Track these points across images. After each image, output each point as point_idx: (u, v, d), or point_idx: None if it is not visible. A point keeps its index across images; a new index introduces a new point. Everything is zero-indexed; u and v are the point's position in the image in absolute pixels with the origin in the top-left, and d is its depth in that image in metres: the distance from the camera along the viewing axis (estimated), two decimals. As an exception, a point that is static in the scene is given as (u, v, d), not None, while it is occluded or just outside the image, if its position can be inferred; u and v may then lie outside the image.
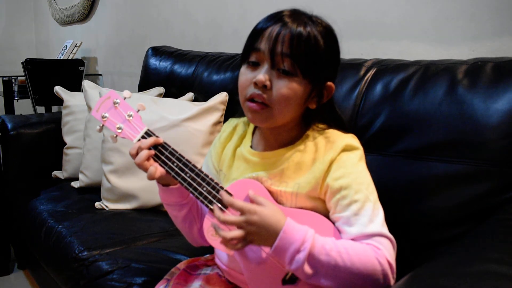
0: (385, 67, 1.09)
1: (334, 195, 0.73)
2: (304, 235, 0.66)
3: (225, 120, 1.48)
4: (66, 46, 3.22)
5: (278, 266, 0.71)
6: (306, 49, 0.72)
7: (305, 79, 0.73)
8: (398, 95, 1.01)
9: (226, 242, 0.67)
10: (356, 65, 1.15)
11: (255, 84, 0.73)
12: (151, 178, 0.76)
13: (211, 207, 0.75)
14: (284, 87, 0.72)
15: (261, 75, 0.72)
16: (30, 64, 2.79)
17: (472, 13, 1.11)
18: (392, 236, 0.70)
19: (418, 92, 0.98)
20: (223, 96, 1.51)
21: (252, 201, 0.70)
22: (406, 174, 0.96)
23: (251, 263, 0.75)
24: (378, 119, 1.03)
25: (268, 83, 0.72)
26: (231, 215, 0.69)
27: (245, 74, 0.76)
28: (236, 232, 0.67)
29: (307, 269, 0.65)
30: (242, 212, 0.68)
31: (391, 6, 1.28)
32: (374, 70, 1.10)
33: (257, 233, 0.67)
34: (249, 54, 0.76)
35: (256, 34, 0.75)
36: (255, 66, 0.75)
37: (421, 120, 0.95)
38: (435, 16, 1.18)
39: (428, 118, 0.94)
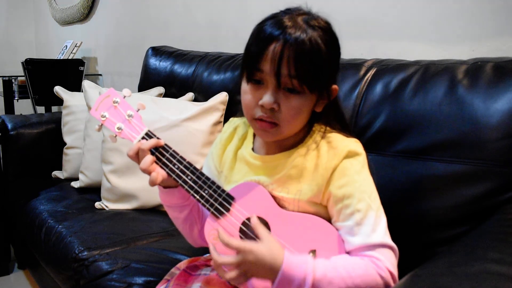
0: (385, 67, 1.09)
1: (336, 203, 0.73)
2: (305, 269, 0.66)
3: (225, 120, 1.48)
4: (66, 46, 3.21)
5: None
6: (311, 65, 0.70)
7: (312, 93, 0.72)
8: (398, 95, 1.01)
9: (227, 280, 0.68)
10: (356, 65, 1.15)
11: (262, 106, 0.72)
12: (153, 184, 0.76)
13: (212, 210, 0.76)
14: (293, 107, 0.71)
15: (268, 98, 0.70)
16: (30, 64, 2.79)
17: (472, 13, 1.11)
18: (394, 243, 0.70)
19: (418, 92, 0.98)
20: (223, 96, 1.51)
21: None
22: (406, 174, 0.96)
23: None
24: (378, 119, 1.03)
25: (275, 106, 0.71)
26: (227, 257, 0.69)
27: (250, 94, 0.74)
28: (234, 273, 0.67)
29: None
30: (238, 251, 0.67)
31: (391, 6, 1.28)
32: (374, 70, 1.10)
33: (256, 271, 0.67)
34: (252, 73, 0.72)
35: (257, 49, 0.71)
36: (258, 84, 0.73)
37: (421, 120, 0.95)
38: (435, 16, 1.18)
39: (428, 118, 0.94)
